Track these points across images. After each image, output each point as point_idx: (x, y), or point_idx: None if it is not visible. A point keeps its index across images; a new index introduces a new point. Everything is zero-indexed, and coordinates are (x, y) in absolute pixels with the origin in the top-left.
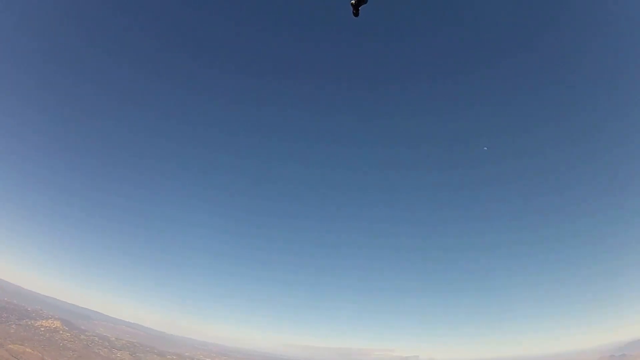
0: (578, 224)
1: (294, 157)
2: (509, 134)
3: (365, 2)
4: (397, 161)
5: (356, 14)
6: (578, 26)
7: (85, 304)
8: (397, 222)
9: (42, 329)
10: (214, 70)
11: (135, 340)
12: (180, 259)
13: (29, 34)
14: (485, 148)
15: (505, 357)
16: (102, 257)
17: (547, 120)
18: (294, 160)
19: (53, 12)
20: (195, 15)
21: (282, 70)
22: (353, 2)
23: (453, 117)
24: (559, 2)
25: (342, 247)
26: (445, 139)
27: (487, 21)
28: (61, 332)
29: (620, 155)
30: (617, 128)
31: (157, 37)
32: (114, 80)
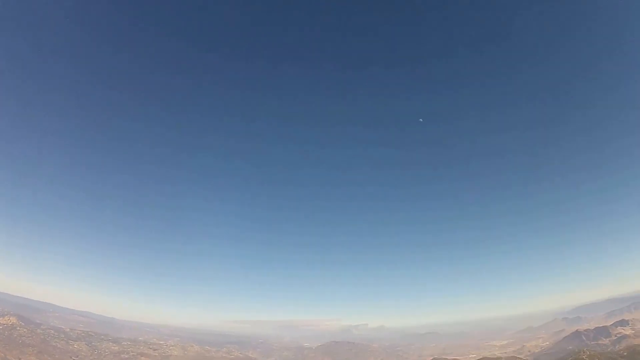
0: (533, 197)
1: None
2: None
3: None
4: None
5: None
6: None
7: (35, 296)
8: (341, 196)
9: (0, 327)
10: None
11: (89, 330)
12: (121, 240)
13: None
14: (421, 120)
15: (455, 322)
16: (44, 246)
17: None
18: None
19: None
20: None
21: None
22: None
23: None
24: None
25: (283, 222)
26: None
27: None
28: (18, 328)
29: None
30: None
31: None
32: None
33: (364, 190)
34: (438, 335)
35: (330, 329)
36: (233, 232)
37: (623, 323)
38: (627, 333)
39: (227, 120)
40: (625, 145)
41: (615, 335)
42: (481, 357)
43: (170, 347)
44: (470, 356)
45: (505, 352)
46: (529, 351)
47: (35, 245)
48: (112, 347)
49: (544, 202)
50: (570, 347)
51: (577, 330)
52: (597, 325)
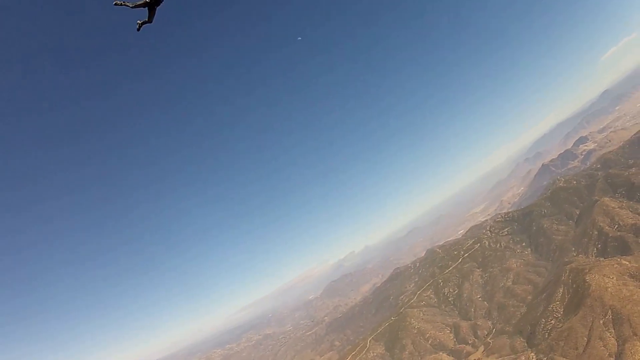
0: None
1: None
2: None
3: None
4: None
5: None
6: None
7: None
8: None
9: None
10: None
11: None
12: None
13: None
14: (299, 38)
15: (429, 210)
16: None
17: None
18: None
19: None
20: None
21: None
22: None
23: None
24: None
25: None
26: None
27: None
28: None
29: None
30: None
31: None
32: None
33: None
34: (420, 229)
35: (324, 272)
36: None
37: (582, 140)
38: (591, 147)
39: None
40: None
41: (581, 154)
42: (468, 229)
43: None
44: (459, 232)
45: (489, 214)
46: (509, 203)
47: None
48: None
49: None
50: (545, 183)
51: (543, 165)
52: (559, 152)
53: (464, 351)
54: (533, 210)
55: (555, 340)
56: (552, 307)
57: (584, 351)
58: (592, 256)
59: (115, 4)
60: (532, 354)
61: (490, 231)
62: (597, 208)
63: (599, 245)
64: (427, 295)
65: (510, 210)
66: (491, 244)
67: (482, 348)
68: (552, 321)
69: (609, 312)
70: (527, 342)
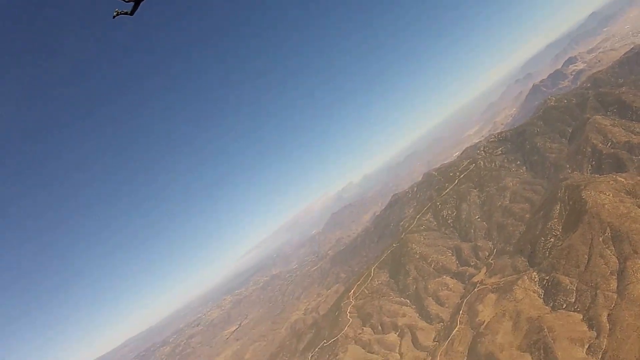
0: None
1: None
2: None
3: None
4: None
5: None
6: None
7: None
8: None
9: None
10: None
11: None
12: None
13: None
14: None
15: (425, 134)
16: None
17: None
18: None
19: None
20: None
21: None
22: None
23: None
24: None
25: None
26: None
27: None
28: None
29: None
30: None
31: None
32: None
33: None
34: (417, 154)
35: (324, 205)
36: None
37: (572, 60)
38: (581, 67)
39: None
40: None
41: (571, 74)
42: (463, 150)
43: (210, 312)
44: (454, 155)
45: (482, 135)
46: (502, 124)
47: None
48: (164, 349)
49: None
50: (536, 103)
51: (534, 85)
52: (549, 73)
53: (467, 273)
54: (526, 130)
55: (556, 259)
56: (551, 225)
57: (585, 269)
58: (587, 173)
59: (115, 16)
60: (535, 273)
61: (484, 151)
62: (590, 126)
63: (593, 162)
64: (426, 219)
65: (503, 130)
66: (486, 163)
67: (484, 269)
68: (552, 239)
69: (608, 229)
70: (528, 262)
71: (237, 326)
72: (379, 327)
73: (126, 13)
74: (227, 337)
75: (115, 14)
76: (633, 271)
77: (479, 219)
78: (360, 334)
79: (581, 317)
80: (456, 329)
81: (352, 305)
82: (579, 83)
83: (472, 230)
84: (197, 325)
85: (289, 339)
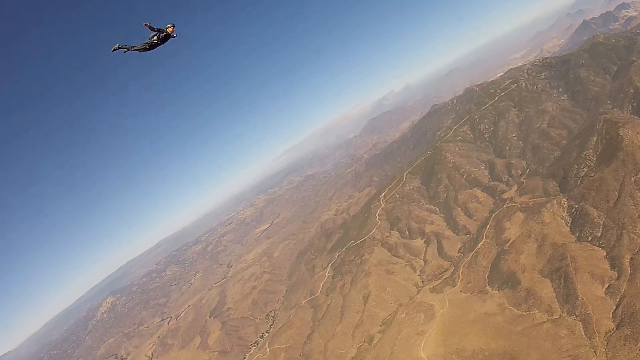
0: None
1: None
2: None
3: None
4: None
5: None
6: None
7: None
8: None
9: None
10: None
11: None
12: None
13: None
14: None
15: (471, 52)
16: None
17: None
18: None
19: None
20: None
21: None
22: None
23: None
24: None
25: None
26: None
27: None
28: None
29: None
30: None
31: None
32: None
33: None
34: (460, 70)
35: (363, 111)
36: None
37: (625, 6)
38: (633, 14)
39: None
40: None
41: (622, 19)
42: (506, 71)
43: (243, 211)
44: (497, 74)
45: (528, 60)
46: (549, 52)
47: None
48: (195, 248)
49: None
50: (585, 37)
51: (584, 21)
52: (601, 13)
53: (498, 188)
54: (571, 60)
55: (587, 189)
56: (585, 155)
57: (614, 205)
58: (627, 113)
59: (116, 49)
60: (564, 199)
61: (527, 73)
62: (635, 68)
63: (634, 104)
64: (463, 131)
65: (549, 56)
66: (528, 85)
67: (515, 187)
68: (585, 169)
69: None
70: (559, 187)
71: (269, 225)
72: (406, 232)
73: (129, 49)
74: (258, 235)
75: (122, 49)
76: None
77: (515, 138)
78: (387, 237)
79: (605, 254)
80: (481, 242)
81: (382, 208)
82: (629, 27)
83: (507, 148)
84: (230, 224)
85: (317, 237)
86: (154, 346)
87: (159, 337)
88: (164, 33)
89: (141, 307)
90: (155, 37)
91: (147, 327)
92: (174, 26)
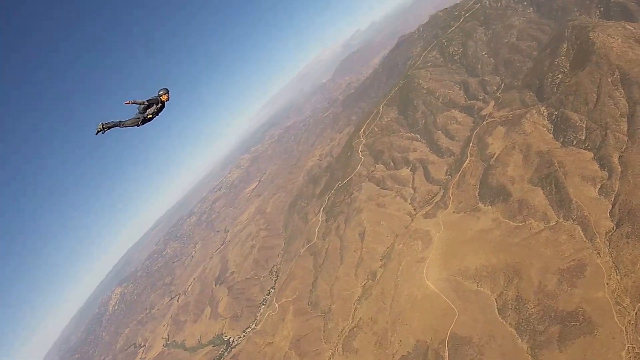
0: None
1: None
2: None
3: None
4: None
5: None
6: None
7: None
8: None
9: None
10: None
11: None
12: None
13: None
14: None
15: None
16: None
17: None
18: None
19: None
20: None
21: None
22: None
23: None
24: None
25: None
26: None
27: None
28: None
29: None
30: None
31: None
32: None
33: None
34: None
35: (333, 54)
36: None
37: None
38: None
39: None
40: None
41: None
42: None
43: (230, 174)
44: None
45: None
46: None
47: None
48: (190, 220)
49: None
50: None
51: None
52: None
53: (475, 107)
54: None
55: (564, 95)
56: (558, 62)
57: (594, 107)
58: (595, 18)
59: (104, 129)
60: (543, 107)
61: None
62: None
63: (602, 9)
64: (432, 56)
65: None
66: (492, 3)
67: (492, 103)
68: (560, 75)
69: (616, 71)
70: (536, 96)
71: (257, 183)
72: (391, 163)
73: (115, 125)
74: (248, 195)
75: (100, 128)
76: None
77: (485, 55)
78: (373, 171)
79: (592, 155)
80: (467, 161)
81: (363, 144)
82: None
83: (479, 66)
84: (219, 190)
85: (305, 185)
86: (168, 326)
87: (171, 316)
88: (160, 104)
89: (149, 290)
90: (150, 113)
91: (158, 309)
92: (168, 92)
